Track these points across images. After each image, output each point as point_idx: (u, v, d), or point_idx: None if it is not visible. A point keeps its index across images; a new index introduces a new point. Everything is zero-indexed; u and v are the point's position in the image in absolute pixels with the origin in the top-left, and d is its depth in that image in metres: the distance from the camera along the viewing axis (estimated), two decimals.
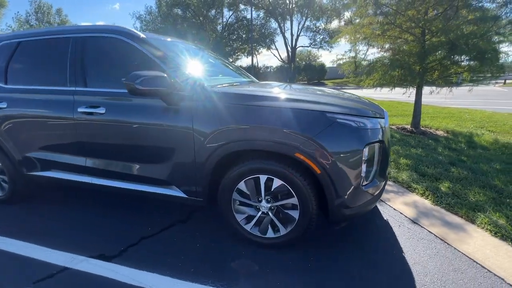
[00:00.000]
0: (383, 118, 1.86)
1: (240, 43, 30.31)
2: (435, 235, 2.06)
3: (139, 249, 1.97)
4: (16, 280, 1.69)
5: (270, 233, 1.88)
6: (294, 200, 1.75)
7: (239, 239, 1.98)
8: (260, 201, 1.84)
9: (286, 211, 1.81)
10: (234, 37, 30.20)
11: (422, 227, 2.18)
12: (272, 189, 1.78)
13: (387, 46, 6.13)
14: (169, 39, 2.44)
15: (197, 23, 25.75)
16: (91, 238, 2.09)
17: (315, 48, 32.58)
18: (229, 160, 1.83)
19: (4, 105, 2.31)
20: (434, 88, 5.62)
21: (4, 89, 2.36)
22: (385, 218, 2.31)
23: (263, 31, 30.51)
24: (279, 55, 34.07)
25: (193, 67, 2.03)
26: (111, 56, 2.13)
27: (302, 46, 34.05)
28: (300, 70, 30.26)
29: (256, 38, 28.58)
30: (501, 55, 4.46)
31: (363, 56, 6.90)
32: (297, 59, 34.66)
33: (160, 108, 1.88)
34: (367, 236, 2.10)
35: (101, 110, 2.00)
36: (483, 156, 3.93)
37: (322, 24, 30.90)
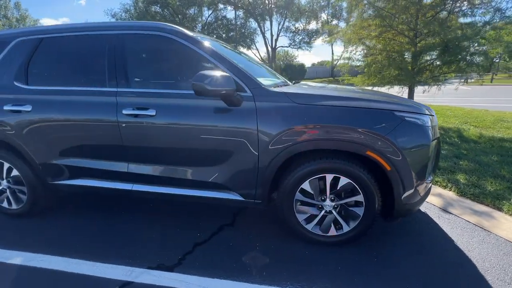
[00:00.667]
0: (434, 115, 1.97)
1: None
2: (473, 223, 2.22)
3: (197, 256, 1.89)
4: None
5: (332, 231, 1.90)
6: (359, 198, 1.79)
7: (297, 239, 1.99)
8: (324, 200, 1.85)
9: (350, 208, 1.84)
10: (214, 36, 29.81)
11: (458, 216, 2.34)
12: (338, 188, 1.80)
13: (379, 46, 6.41)
14: (207, 37, 2.36)
15: (175, 22, 25.07)
16: (139, 248, 1.97)
17: (295, 48, 33.22)
18: (293, 161, 1.83)
19: (28, 108, 2.08)
20: (426, 87, 6.01)
21: (26, 91, 2.13)
22: (423, 211, 2.44)
23: (243, 31, 30.47)
24: (260, 55, 34.22)
25: (245, 67, 1.99)
26: (158, 55, 2.02)
27: (282, 46, 34.58)
28: (281, 70, 30.67)
29: (237, 37, 28.46)
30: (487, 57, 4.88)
31: (357, 56, 7.15)
32: (276, 59, 35.07)
33: (220, 109, 1.82)
34: (415, 229, 2.20)
35: (151, 112, 1.89)
36: (478, 149, 4.27)
37: (301, 25, 31.60)
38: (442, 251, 1.90)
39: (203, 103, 1.84)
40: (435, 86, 6.14)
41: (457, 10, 4.94)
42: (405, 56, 6.10)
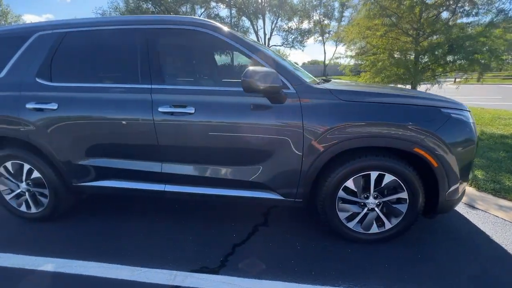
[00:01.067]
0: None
1: None
2: (503, 218, 2.26)
3: (238, 257, 1.84)
4: None
5: (374, 229, 1.89)
6: (403, 194, 1.79)
7: (336, 238, 1.97)
8: (367, 198, 1.84)
9: (394, 205, 1.84)
10: None
11: (485, 212, 2.38)
12: (382, 185, 1.79)
13: (381, 45, 6.48)
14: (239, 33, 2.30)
15: None
16: (177, 252, 1.90)
17: (288, 47, 33.31)
18: (336, 159, 1.80)
19: (54, 106, 1.97)
20: (429, 85, 6.14)
21: (50, 88, 2.01)
22: None
23: (236, 29, 30.29)
24: None
25: (284, 63, 1.94)
26: (195, 50, 1.94)
27: (275, 45, 34.55)
28: None
29: None
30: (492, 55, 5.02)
31: (358, 56, 7.21)
32: None
33: (262, 106, 1.77)
34: (449, 225, 2.22)
35: (190, 110, 1.82)
36: (484, 146, 4.39)
37: (294, 24, 31.72)
38: (480, 246, 1.93)
39: (244, 101, 1.79)
40: (436, 85, 6.28)
41: (460, 10, 5.05)
42: (409, 55, 6.20)
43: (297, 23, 31.92)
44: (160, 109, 1.85)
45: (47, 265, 1.78)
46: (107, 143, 2.01)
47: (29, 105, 1.99)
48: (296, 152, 1.78)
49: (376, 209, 1.86)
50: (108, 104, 1.94)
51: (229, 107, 1.81)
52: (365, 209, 1.87)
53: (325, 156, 1.76)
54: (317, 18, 33.67)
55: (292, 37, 32.05)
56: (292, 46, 33.07)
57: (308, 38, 33.00)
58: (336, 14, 36.18)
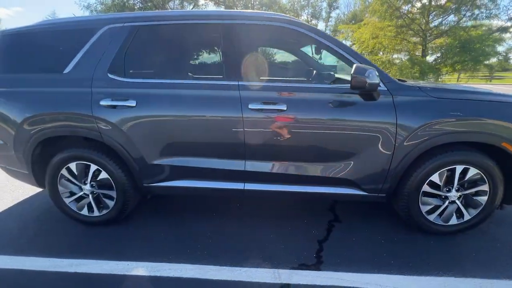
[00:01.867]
0: None
1: None
2: None
3: (330, 252, 1.86)
4: None
5: (453, 221, 1.98)
6: (485, 187, 1.89)
7: (413, 230, 2.04)
8: (449, 191, 1.92)
9: (474, 197, 1.93)
10: None
11: None
12: (466, 178, 1.88)
13: (392, 46, 6.71)
14: None
15: None
16: (266, 250, 1.88)
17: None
18: (424, 154, 1.87)
19: (132, 103, 1.87)
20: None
21: (125, 84, 1.91)
22: None
23: None
24: None
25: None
26: (282, 47, 1.92)
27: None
28: None
29: None
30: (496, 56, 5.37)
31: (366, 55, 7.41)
32: None
33: (355, 103, 1.80)
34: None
35: (281, 107, 1.81)
36: None
37: None
38: None
39: (337, 98, 1.81)
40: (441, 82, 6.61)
41: (469, 14, 5.35)
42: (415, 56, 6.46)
43: None
44: (250, 106, 1.82)
45: (138, 269, 1.70)
46: (187, 142, 1.95)
47: (104, 102, 1.88)
48: (387, 149, 1.82)
49: (457, 201, 1.94)
50: (191, 101, 1.88)
51: (321, 104, 1.81)
52: (447, 202, 1.95)
53: (415, 152, 1.81)
54: (306, 18, 34.12)
55: None
56: None
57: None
58: (324, 14, 36.93)
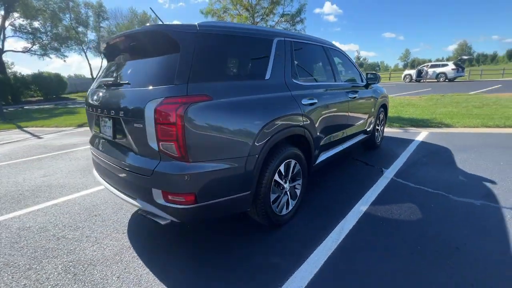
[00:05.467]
0: None
1: None
2: None
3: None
4: None
5: None
6: None
7: None
8: None
9: None
10: None
11: None
12: None
13: None
14: None
15: None
16: None
17: (39, 54, 25.29)
18: None
19: (316, 101, 2.39)
20: None
21: (303, 87, 2.36)
22: None
23: None
24: None
25: None
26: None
27: (13, 51, 24.64)
28: (27, 83, 22.34)
29: None
30: None
31: None
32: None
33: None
34: None
35: (355, 95, 3.26)
36: None
37: (39, 24, 24.70)
38: None
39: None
40: None
41: None
42: None
43: (44, 25, 25.19)
44: (349, 96, 3.09)
45: None
46: (335, 123, 2.83)
47: (304, 102, 2.27)
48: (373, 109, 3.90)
49: None
50: (336, 95, 2.81)
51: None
52: None
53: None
54: (69, 23, 28.66)
55: (46, 42, 25.04)
56: (45, 54, 25.83)
57: (68, 47, 27.41)
58: (91, 22, 33.02)
